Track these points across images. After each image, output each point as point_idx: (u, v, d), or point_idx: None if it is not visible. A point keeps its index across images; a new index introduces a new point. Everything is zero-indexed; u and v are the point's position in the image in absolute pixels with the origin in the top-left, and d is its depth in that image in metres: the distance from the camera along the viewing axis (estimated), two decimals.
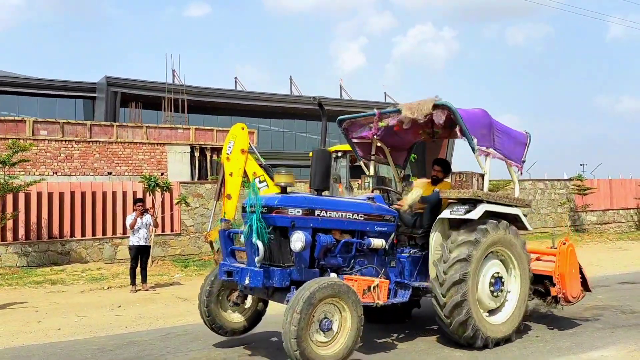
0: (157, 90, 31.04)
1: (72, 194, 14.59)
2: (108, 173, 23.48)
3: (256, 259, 5.33)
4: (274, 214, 5.42)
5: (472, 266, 5.90)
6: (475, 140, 6.22)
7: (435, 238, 6.24)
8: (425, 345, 6.32)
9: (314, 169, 5.81)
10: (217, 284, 6.21)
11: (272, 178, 9.83)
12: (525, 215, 6.84)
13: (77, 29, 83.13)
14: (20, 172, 18.01)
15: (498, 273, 6.30)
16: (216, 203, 10.54)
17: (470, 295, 5.87)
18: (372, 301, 5.54)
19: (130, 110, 29.06)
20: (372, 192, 6.99)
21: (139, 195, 14.59)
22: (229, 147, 9.94)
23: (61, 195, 14.46)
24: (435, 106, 6.26)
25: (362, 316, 5.20)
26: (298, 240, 5.28)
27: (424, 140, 7.84)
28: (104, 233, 14.75)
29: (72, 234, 14.42)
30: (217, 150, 25.08)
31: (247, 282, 5.42)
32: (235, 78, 39.86)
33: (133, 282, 10.77)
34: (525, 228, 6.81)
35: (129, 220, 10.85)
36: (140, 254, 10.84)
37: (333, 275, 5.59)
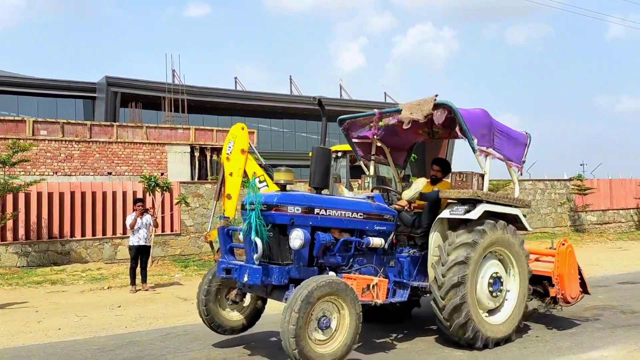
0: (157, 90, 31.04)
1: (72, 194, 14.59)
2: (108, 173, 23.48)
3: (255, 256, 5.33)
4: (273, 212, 5.43)
5: (470, 268, 5.89)
6: (475, 140, 6.22)
7: (434, 238, 6.24)
8: (425, 345, 6.32)
9: (313, 167, 5.81)
10: (215, 283, 6.21)
11: (272, 178, 9.83)
12: (524, 216, 6.84)
13: (77, 29, 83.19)
14: (20, 172, 18.01)
15: (497, 273, 6.30)
16: (216, 203, 10.55)
17: (469, 298, 5.87)
18: (370, 300, 5.54)
19: (130, 110, 29.06)
20: (372, 191, 6.99)
21: (139, 195, 14.59)
22: (229, 147, 9.94)
23: (61, 195, 14.46)
24: (436, 105, 6.26)
25: (361, 314, 5.20)
26: (297, 238, 5.28)
27: (423, 141, 7.85)
28: (104, 233, 14.75)
29: (72, 234, 14.42)
30: (217, 150, 25.08)
31: (245, 279, 5.42)
32: (235, 78, 39.90)
33: (133, 282, 10.77)
34: (524, 228, 6.81)
35: (129, 220, 10.84)
36: (140, 254, 10.84)
37: (332, 273, 5.59)
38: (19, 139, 17.97)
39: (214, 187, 14.03)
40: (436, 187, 6.89)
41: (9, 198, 13.63)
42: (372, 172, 7.64)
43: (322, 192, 5.99)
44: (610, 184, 23.87)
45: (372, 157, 7.67)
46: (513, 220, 6.63)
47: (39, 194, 14.17)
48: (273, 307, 6.56)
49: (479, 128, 6.33)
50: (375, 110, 7.08)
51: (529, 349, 6.16)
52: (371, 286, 5.55)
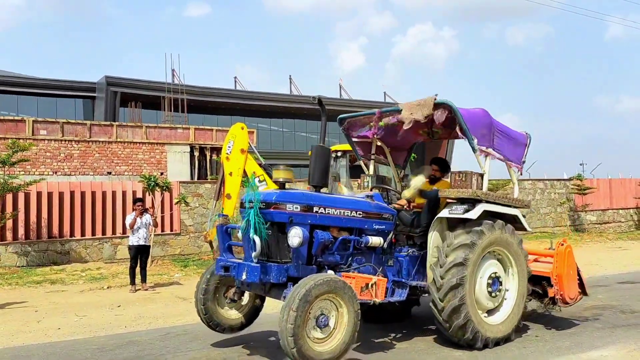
0: (157, 90, 31.03)
1: (72, 193, 14.58)
2: (108, 173, 23.48)
3: (253, 254, 5.33)
4: (272, 210, 5.43)
5: (468, 269, 5.88)
6: (475, 140, 6.22)
7: (433, 237, 6.24)
8: (424, 344, 6.32)
9: (313, 165, 5.81)
10: (213, 282, 6.20)
11: (271, 177, 9.82)
12: (524, 216, 6.83)
13: (77, 28, 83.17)
14: (20, 171, 18.00)
15: (495, 273, 6.29)
16: (216, 203, 10.54)
17: (468, 299, 5.86)
18: (369, 299, 5.54)
19: (130, 110, 29.06)
20: (371, 190, 6.98)
21: (139, 195, 14.59)
22: (229, 147, 9.94)
23: (61, 195, 14.45)
24: (436, 105, 6.26)
25: (359, 311, 5.19)
26: (296, 236, 5.28)
27: (423, 141, 7.85)
28: (103, 233, 14.74)
29: (72, 234, 14.41)
30: (217, 150, 25.07)
31: (244, 277, 5.41)
32: (235, 78, 39.91)
33: (132, 282, 10.76)
34: (524, 229, 6.80)
35: (129, 219, 10.84)
36: (139, 254, 10.83)
37: (330, 272, 5.59)
38: (19, 139, 17.96)
39: (213, 187, 14.02)
40: (435, 187, 6.89)
41: (9, 198, 13.62)
42: (371, 171, 7.64)
43: (321, 190, 5.99)
44: (610, 184, 23.87)
45: (372, 157, 7.67)
46: (512, 221, 6.62)
47: (39, 194, 14.16)
48: (272, 306, 6.56)
49: (479, 128, 6.33)
50: (376, 110, 7.07)
51: (528, 348, 6.16)
52: (370, 285, 5.55)
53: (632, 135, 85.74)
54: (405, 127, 6.49)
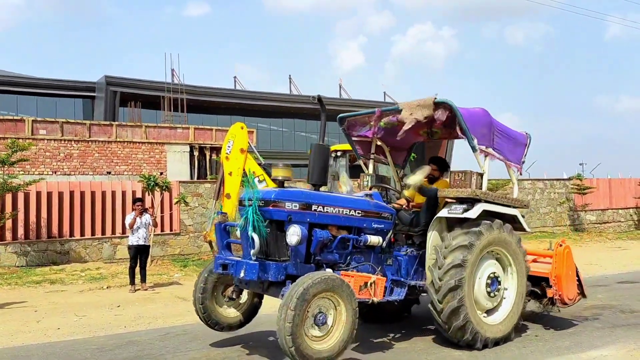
0: (157, 89, 31.00)
1: (72, 193, 14.57)
2: (107, 172, 23.46)
3: (252, 251, 5.32)
4: (270, 207, 5.42)
5: (467, 271, 5.87)
6: (475, 140, 6.21)
7: (432, 237, 6.23)
8: (424, 344, 6.32)
9: (312, 164, 5.80)
10: (211, 280, 6.19)
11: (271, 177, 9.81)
12: (523, 216, 6.82)
13: (77, 28, 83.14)
14: (19, 171, 17.97)
15: (494, 273, 6.29)
16: (215, 202, 10.52)
17: (467, 300, 5.86)
18: (368, 298, 5.53)
19: (130, 109, 29.04)
20: (371, 189, 6.97)
21: (138, 194, 14.58)
22: (228, 147, 9.91)
23: (60, 194, 14.44)
24: (436, 104, 6.25)
25: (357, 309, 5.19)
26: (294, 234, 5.27)
27: (423, 141, 7.84)
28: (103, 233, 14.72)
29: (71, 234, 14.39)
30: (217, 150, 25.06)
31: (242, 274, 5.40)
32: (235, 77, 39.93)
33: (132, 282, 10.76)
34: (523, 229, 6.79)
35: (128, 219, 10.84)
36: (139, 254, 10.83)
37: (329, 271, 5.57)
38: (18, 139, 17.94)
39: (213, 187, 14.00)
40: (434, 186, 6.88)
41: (8, 198, 13.60)
42: (371, 170, 7.64)
43: (320, 189, 5.98)
44: (609, 184, 23.87)
45: (372, 156, 7.66)
46: (511, 221, 6.61)
47: (38, 194, 14.15)
48: (271, 306, 6.55)
49: (478, 127, 6.32)
50: (376, 109, 7.06)
51: (528, 348, 6.16)
52: (369, 284, 5.54)
53: (631, 135, 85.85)
54: (405, 127, 6.46)
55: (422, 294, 6.51)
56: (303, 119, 38.51)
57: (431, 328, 6.78)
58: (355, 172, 10.79)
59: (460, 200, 6.29)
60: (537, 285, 6.94)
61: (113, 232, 14.81)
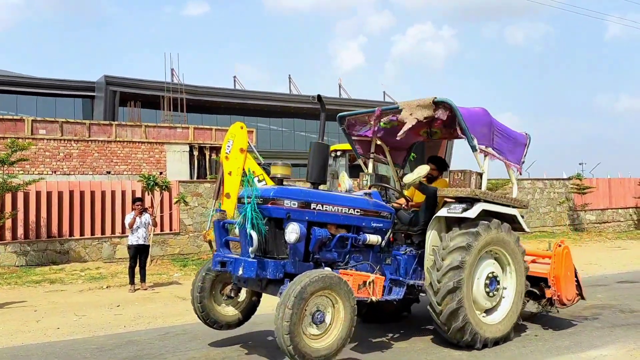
0: (156, 89, 31.01)
1: (71, 193, 14.57)
2: (107, 172, 23.45)
3: (250, 249, 5.31)
4: (269, 205, 5.41)
5: (465, 272, 5.86)
6: (475, 140, 6.21)
7: (431, 237, 6.22)
8: (423, 344, 6.32)
9: (311, 162, 5.80)
10: (209, 279, 6.19)
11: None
12: (522, 216, 6.81)
13: (76, 28, 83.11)
14: (19, 171, 17.98)
15: (493, 273, 6.27)
16: (215, 202, 10.53)
17: (465, 301, 5.85)
18: (366, 296, 5.52)
19: (129, 109, 29.03)
20: (370, 188, 6.96)
21: (138, 194, 14.58)
22: (228, 146, 9.93)
23: (60, 194, 14.44)
24: (436, 104, 6.24)
25: (356, 307, 5.18)
26: (293, 232, 5.26)
27: (423, 141, 7.83)
28: (102, 232, 14.73)
29: (71, 233, 14.40)
30: (216, 149, 25.04)
31: (240, 272, 5.38)
32: (234, 77, 39.99)
33: (132, 282, 10.76)
34: (522, 229, 6.78)
35: (128, 219, 10.83)
36: (139, 253, 10.83)
37: (327, 269, 5.56)
38: (18, 138, 17.95)
39: (213, 186, 14.01)
40: (433, 185, 6.87)
41: (8, 197, 13.61)
42: (370, 170, 7.63)
43: (320, 187, 5.97)
44: (609, 183, 23.88)
45: (371, 156, 7.66)
46: (511, 221, 6.60)
47: (38, 193, 14.15)
48: (271, 305, 6.54)
49: (478, 127, 6.32)
50: (376, 108, 7.05)
51: (528, 348, 6.16)
52: (367, 283, 5.53)
53: (631, 134, 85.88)
54: (405, 127, 6.43)
55: (422, 294, 6.51)
56: (303, 119, 38.51)
57: (430, 328, 6.77)
58: (355, 171, 10.80)
59: (459, 200, 6.28)
60: (535, 286, 6.93)
61: (113, 231, 14.81)
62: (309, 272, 5.09)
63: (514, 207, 6.71)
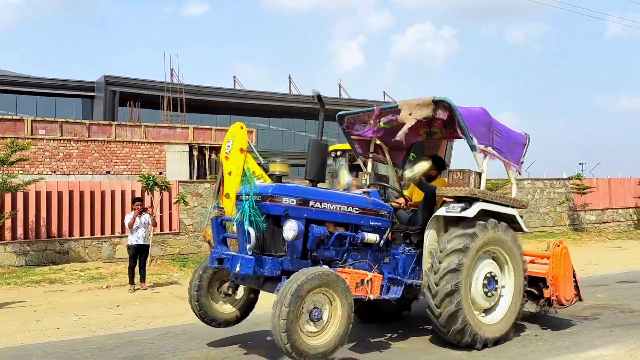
0: (156, 89, 30.99)
1: (71, 193, 14.56)
2: (107, 172, 23.44)
3: (248, 246, 5.30)
4: (267, 202, 5.41)
5: (463, 274, 5.85)
6: (474, 139, 6.20)
7: (429, 236, 6.21)
8: (423, 344, 6.32)
9: (310, 160, 5.79)
10: (206, 277, 6.18)
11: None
12: (521, 217, 6.79)
13: (76, 28, 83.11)
14: (18, 171, 17.96)
15: (491, 273, 6.26)
16: (213, 200, 10.51)
17: (464, 304, 5.84)
18: (364, 295, 5.51)
19: (129, 109, 29.01)
20: (369, 187, 6.95)
21: (138, 194, 14.56)
22: (228, 146, 9.90)
23: (60, 194, 14.43)
24: (436, 103, 6.23)
25: (353, 303, 5.17)
26: (291, 229, 5.26)
27: (422, 140, 7.82)
28: (102, 232, 14.72)
29: (71, 233, 14.39)
30: (216, 149, 25.04)
31: (237, 269, 5.38)
32: (234, 77, 39.98)
33: (132, 282, 10.75)
34: (521, 229, 6.77)
35: (128, 219, 10.83)
36: (138, 253, 10.82)
37: (325, 267, 5.55)
38: (18, 138, 17.94)
39: (212, 186, 13.99)
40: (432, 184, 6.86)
41: (7, 197, 13.60)
42: (369, 169, 7.63)
43: (318, 185, 5.97)
44: (609, 183, 23.87)
45: (371, 155, 7.65)
46: (509, 221, 6.59)
47: (38, 193, 14.14)
48: (270, 305, 6.54)
49: (478, 126, 6.31)
50: (375, 107, 7.04)
51: (527, 348, 6.16)
52: (365, 281, 5.52)
53: (631, 134, 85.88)
54: (405, 128, 6.41)
55: (420, 294, 6.49)
56: (302, 119, 38.50)
57: (430, 328, 6.76)
58: (355, 171, 10.79)
59: (458, 199, 6.27)
60: (534, 286, 6.92)
61: (112, 231, 14.81)
62: (306, 269, 5.07)
63: (513, 207, 6.70)
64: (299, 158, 30.75)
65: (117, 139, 23.94)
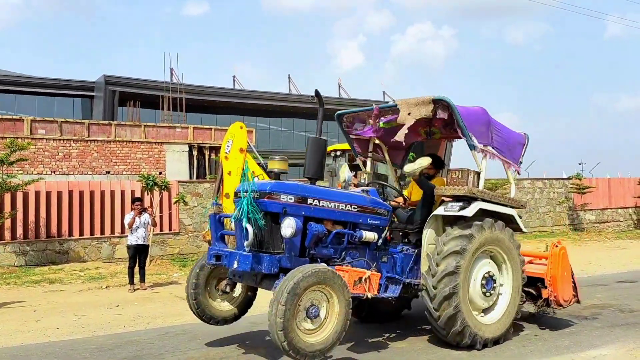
0: (155, 89, 30.99)
1: (70, 193, 14.56)
2: (106, 172, 23.44)
3: (245, 243, 5.30)
4: (265, 199, 5.40)
5: (461, 276, 5.84)
6: (473, 138, 6.20)
7: (428, 235, 6.20)
8: (422, 344, 6.32)
9: (308, 157, 5.79)
10: (202, 275, 6.17)
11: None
12: (520, 217, 6.78)
13: (75, 27, 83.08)
14: (18, 171, 17.97)
15: (489, 272, 6.25)
16: (213, 197, 10.51)
17: (463, 306, 5.84)
18: (362, 293, 5.50)
19: (129, 109, 29.00)
20: (368, 185, 6.94)
21: (137, 194, 14.57)
22: (228, 146, 9.90)
23: (59, 194, 14.43)
24: (434, 102, 6.22)
25: (350, 300, 5.16)
26: (289, 226, 5.25)
27: (421, 140, 7.82)
28: (102, 232, 14.72)
29: (70, 233, 14.39)
30: (216, 149, 25.04)
31: (235, 266, 5.37)
32: (234, 77, 39.88)
33: (131, 282, 10.75)
34: (520, 230, 6.76)
35: (127, 219, 10.83)
36: (138, 253, 10.82)
37: (321, 264, 5.54)
38: (17, 138, 17.94)
39: (212, 186, 13.99)
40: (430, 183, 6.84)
41: (7, 197, 13.60)
42: (368, 169, 7.63)
43: (317, 183, 5.96)
44: (609, 183, 23.87)
45: (370, 155, 7.65)
46: (508, 221, 6.57)
47: (37, 193, 14.14)
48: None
49: (477, 126, 6.31)
50: (374, 106, 7.03)
51: (527, 347, 6.16)
52: (363, 279, 5.51)
53: (631, 134, 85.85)
54: (404, 129, 6.40)
55: (419, 294, 6.48)
56: (302, 119, 38.50)
57: (429, 327, 6.76)
58: (354, 171, 10.79)
59: (456, 198, 6.26)
60: (532, 286, 6.91)
61: (112, 231, 14.81)
62: (302, 267, 5.05)
63: (511, 207, 6.69)
64: (299, 158, 30.76)
65: (117, 139, 23.94)
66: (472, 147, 6.24)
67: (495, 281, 6.31)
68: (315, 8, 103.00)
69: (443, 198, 6.51)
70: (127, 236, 11.14)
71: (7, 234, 13.69)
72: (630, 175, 25.43)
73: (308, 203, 5.58)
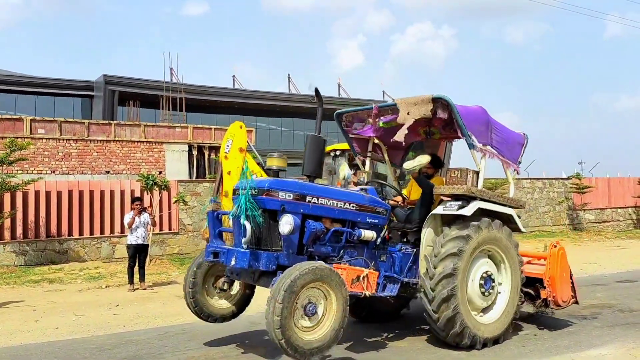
0: (155, 88, 30.99)
1: (70, 192, 14.56)
2: (106, 172, 23.44)
3: (243, 240, 5.29)
4: (264, 197, 5.40)
5: (459, 278, 5.84)
6: (472, 137, 6.19)
7: (426, 234, 6.20)
8: (422, 344, 6.32)
9: (307, 155, 5.78)
10: (200, 273, 6.17)
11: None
12: (519, 217, 6.77)
13: (75, 27, 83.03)
14: (18, 170, 17.96)
15: (487, 272, 6.24)
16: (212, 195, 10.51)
17: (461, 307, 5.84)
18: (360, 291, 5.50)
19: (128, 108, 29.01)
20: (367, 184, 6.94)
21: (137, 194, 14.57)
22: (227, 146, 9.90)
23: (59, 194, 14.43)
24: (434, 100, 6.22)
25: (348, 298, 5.15)
26: (287, 224, 5.25)
27: (421, 140, 7.81)
28: (101, 232, 14.72)
29: (70, 233, 14.39)
30: (215, 149, 25.03)
31: (233, 262, 5.36)
32: (233, 76, 39.78)
33: (131, 281, 10.75)
34: (519, 229, 6.76)
35: (127, 219, 10.82)
36: (138, 253, 10.82)
37: (319, 262, 5.53)
38: (17, 138, 17.91)
39: (212, 186, 13.99)
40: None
41: (7, 197, 13.60)
42: (368, 168, 7.62)
43: (315, 181, 5.96)
44: (608, 183, 23.88)
45: (369, 154, 7.64)
46: (507, 220, 6.57)
47: (37, 193, 14.14)
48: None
49: (476, 125, 6.30)
50: (373, 105, 7.03)
51: (527, 347, 6.16)
52: (361, 277, 5.51)
53: (630, 134, 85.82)
54: (403, 129, 6.39)
55: (418, 293, 6.47)
56: (302, 118, 38.48)
57: (428, 327, 6.76)
58: (353, 170, 10.78)
59: (455, 198, 6.26)
60: (531, 287, 6.91)
61: (112, 231, 14.80)
62: (299, 264, 5.04)
63: (510, 206, 6.68)
64: (298, 157, 30.75)
65: (117, 139, 23.94)
66: (471, 146, 6.24)
67: (493, 280, 6.30)
68: (315, 8, 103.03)
69: (442, 197, 6.50)
70: (126, 236, 11.13)
71: (7, 234, 13.68)
72: (630, 175, 25.47)
73: (306, 201, 5.58)
